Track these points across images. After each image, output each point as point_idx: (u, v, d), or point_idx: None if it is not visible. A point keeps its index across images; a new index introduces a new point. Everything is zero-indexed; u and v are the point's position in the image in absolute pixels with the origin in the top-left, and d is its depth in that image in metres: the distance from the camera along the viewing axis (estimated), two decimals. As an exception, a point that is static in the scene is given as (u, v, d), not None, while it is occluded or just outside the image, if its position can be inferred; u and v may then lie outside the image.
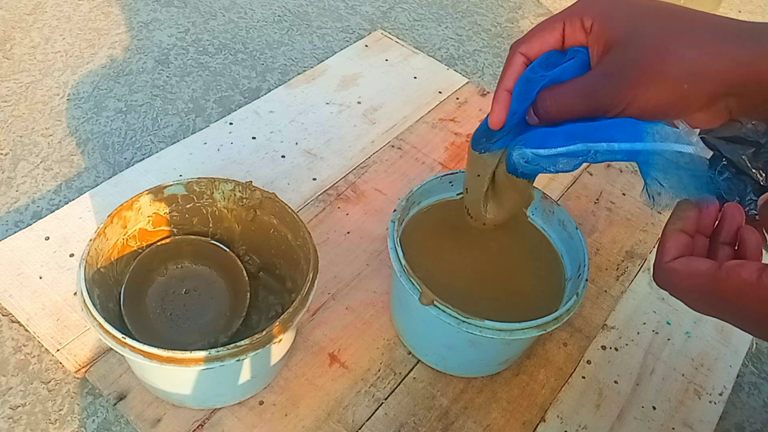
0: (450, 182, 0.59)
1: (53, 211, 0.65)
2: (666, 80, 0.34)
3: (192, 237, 0.58)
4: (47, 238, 0.62)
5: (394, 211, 0.54)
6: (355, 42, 0.93)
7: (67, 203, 0.66)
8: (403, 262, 0.50)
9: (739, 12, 1.22)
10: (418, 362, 0.58)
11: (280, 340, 0.46)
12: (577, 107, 0.37)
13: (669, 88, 0.34)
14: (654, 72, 0.34)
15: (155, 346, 0.43)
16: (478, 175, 0.47)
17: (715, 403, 0.59)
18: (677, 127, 0.36)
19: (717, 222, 0.36)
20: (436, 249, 0.56)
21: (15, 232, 0.62)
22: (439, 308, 0.48)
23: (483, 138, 0.45)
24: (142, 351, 0.43)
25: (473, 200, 0.50)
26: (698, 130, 0.37)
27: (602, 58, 0.37)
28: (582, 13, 0.38)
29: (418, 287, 0.48)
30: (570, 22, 0.38)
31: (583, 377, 0.59)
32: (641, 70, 0.34)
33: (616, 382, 0.59)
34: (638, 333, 0.63)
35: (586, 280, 0.51)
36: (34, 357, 0.55)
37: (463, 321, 0.47)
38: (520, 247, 0.58)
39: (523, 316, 0.48)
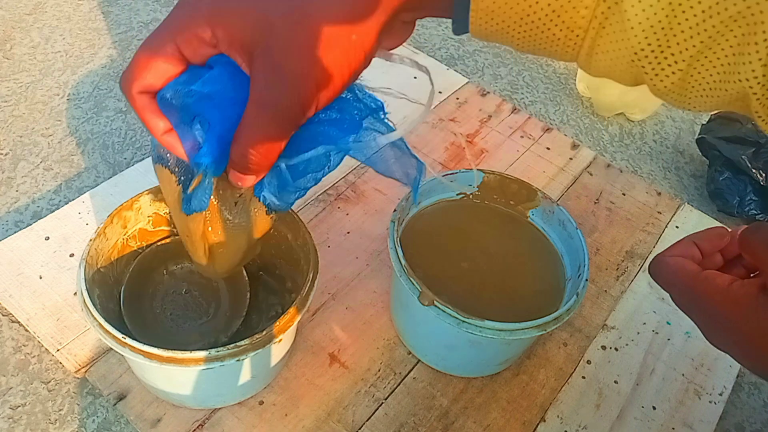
0: (450, 182, 0.59)
1: (53, 211, 0.65)
2: (332, 48, 0.30)
3: (192, 237, 0.58)
4: (47, 238, 0.62)
5: (394, 211, 0.54)
6: (355, 42, 0.93)
7: (67, 203, 0.66)
8: (403, 262, 0.50)
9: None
10: (418, 362, 0.58)
11: (280, 340, 0.46)
12: (277, 134, 0.32)
13: (339, 52, 0.30)
14: (315, 51, 0.30)
15: (155, 346, 0.43)
16: (188, 236, 0.41)
17: (715, 403, 0.59)
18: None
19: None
20: (436, 249, 0.56)
21: (15, 232, 0.62)
22: (439, 308, 0.48)
23: (190, 198, 0.38)
24: (142, 351, 0.43)
25: (197, 259, 0.43)
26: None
27: (252, 66, 0.31)
28: (193, 26, 0.31)
29: (418, 287, 0.48)
30: (184, 41, 0.31)
31: (583, 377, 0.59)
32: (301, 57, 0.30)
33: (616, 382, 0.59)
34: (638, 333, 0.63)
35: (586, 280, 0.51)
36: (34, 357, 0.55)
37: (463, 321, 0.47)
38: (520, 247, 0.58)
39: (523, 316, 0.48)
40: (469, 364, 0.56)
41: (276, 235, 0.56)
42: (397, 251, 0.50)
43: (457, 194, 0.60)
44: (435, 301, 0.48)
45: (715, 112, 0.86)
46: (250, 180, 0.34)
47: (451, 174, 0.58)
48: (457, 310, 0.47)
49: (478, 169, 0.58)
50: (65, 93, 0.81)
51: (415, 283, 0.49)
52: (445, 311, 0.47)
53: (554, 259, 0.57)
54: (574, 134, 0.88)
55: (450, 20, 0.33)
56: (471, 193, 0.60)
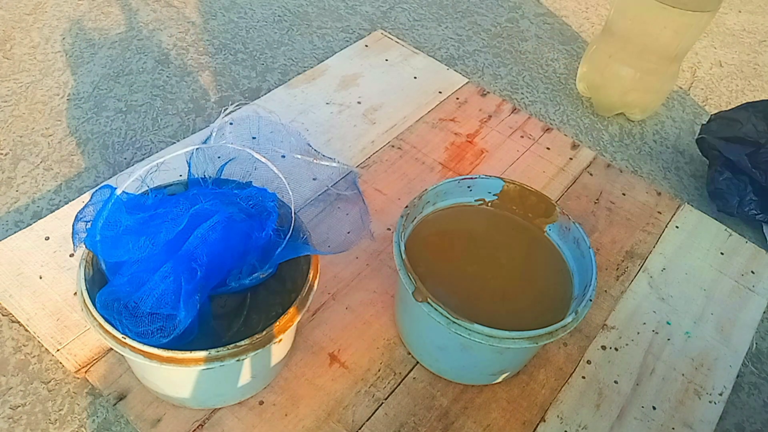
0: (468, 187, 0.58)
1: (53, 211, 0.65)
2: None
3: (192, 237, 0.58)
4: (47, 238, 0.62)
5: (406, 207, 0.54)
6: (355, 42, 0.93)
7: (67, 203, 0.66)
8: (404, 256, 0.50)
9: (740, 12, 1.22)
10: (417, 362, 0.58)
11: (280, 340, 0.46)
12: None
13: None
14: None
15: (155, 346, 0.43)
16: None
17: (715, 403, 0.59)
18: None
19: None
20: (446, 250, 0.56)
21: (15, 232, 0.62)
22: (431, 306, 0.48)
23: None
24: (142, 351, 0.43)
25: None
26: None
27: None
28: None
29: (414, 282, 0.48)
30: None
31: (583, 377, 0.59)
32: None
33: (616, 382, 0.59)
34: (638, 333, 0.63)
35: (590, 299, 0.51)
36: (34, 357, 0.55)
37: (453, 321, 0.47)
38: (533, 261, 0.57)
39: (518, 328, 0.48)
40: (461, 369, 0.56)
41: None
42: (399, 245, 0.51)
43: (476, 200, 0.60)
44: (428, 298, 0.48)
45: (715, 112, 0.86)
46: None
47: (469, 179, 0.58)
48: (447, 309, 0.47)
49: (499, 177, 0.58)
50: (65, 93, 0.81)
51: (411, 277, 0.49)
52: (436, 309, 0.48)
53: (565, 277, 0.56)
54: (574, 134, 0.88)
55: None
56: (489, 201, 0.60)
